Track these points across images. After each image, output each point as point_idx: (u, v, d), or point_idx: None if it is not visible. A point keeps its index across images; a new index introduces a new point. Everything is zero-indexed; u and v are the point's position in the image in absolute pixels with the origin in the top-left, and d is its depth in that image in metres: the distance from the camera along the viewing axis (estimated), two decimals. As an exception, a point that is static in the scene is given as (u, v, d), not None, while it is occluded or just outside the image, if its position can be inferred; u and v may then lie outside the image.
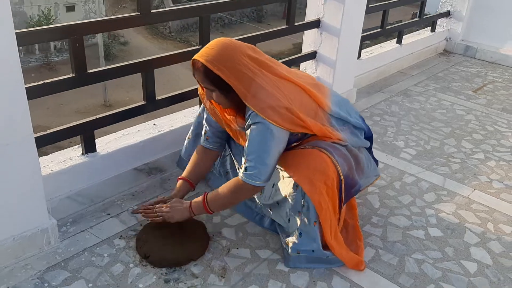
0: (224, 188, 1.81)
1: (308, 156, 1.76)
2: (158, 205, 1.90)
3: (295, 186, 1.79)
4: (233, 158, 2.15)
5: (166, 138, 2.34)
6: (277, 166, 1.80)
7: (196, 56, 1.71)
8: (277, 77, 1.77)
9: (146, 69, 2.17)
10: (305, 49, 3.19)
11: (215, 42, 1.72)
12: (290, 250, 1.83)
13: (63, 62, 19.59)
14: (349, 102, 2.09)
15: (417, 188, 2.41)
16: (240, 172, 1.75)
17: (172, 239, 1.87)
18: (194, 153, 2.06)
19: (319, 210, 1.74)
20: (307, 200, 1.75)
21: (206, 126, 2.02)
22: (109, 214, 2.07)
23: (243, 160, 1.75)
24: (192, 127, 2.16)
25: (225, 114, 1.88)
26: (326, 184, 1.73)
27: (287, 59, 3.01)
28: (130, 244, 1.90)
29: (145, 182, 2.29)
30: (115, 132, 2.30)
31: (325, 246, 1.83)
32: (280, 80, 1.77)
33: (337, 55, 3.03)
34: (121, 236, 1.94)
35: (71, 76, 1.93)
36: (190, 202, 1.86)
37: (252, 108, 1.69)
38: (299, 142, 1.91)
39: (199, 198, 1.85)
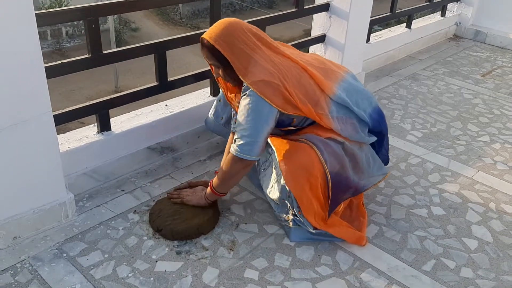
0: (221, 167, 1.89)
1: (298, 151, 1.81)
2: (185, 190, 2.02)
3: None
4: None
5: (178, 118, 2.41)
6: (273, 148, 1.87)
7: (203, 35, 1.82)
8: (275, 53, 1.83)
9: (159, 50, 2.24)
10: (314, 33, 3.23)
11: (220, 21, 1.83)
12: (291, 223, 1.90)
13: (75, 48, 19.72)
14: (368, 94, 2.06)
15: (421, 169, 2.47)
16: (233, 146, 1.79)
17: (183, 214, 1.95)
18: (228, 142, 2.12)
19: (301, 204, 1.80)
20: (290, 192, 1.81)
21: (233, 110, 2.08)
22: (123, 190, 2.16)
23: (236, 134, 1.80)
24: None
25: (228, 92, 1.95)
26: (309, 181, 1.78)
27: (295, 42, 3.05)
28: (143, 218, 1.98)
29: (158, 161, 2.37)
30: (129, 112, 2.38)
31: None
32: (277, 55, 1.83)
33: (345, 39, 3.07)
34: (135, 210, 2.03)
35: (87, 56, 2.01)
36: (206, 191, 1.96)
37: (245, 82, 1.76)
38: (296, 127, 1.95)
39: (208, 187, 1.95)
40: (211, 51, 1.80)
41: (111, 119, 2.23)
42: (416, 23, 4.27)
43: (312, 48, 3.29)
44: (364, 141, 2.01)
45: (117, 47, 17.60)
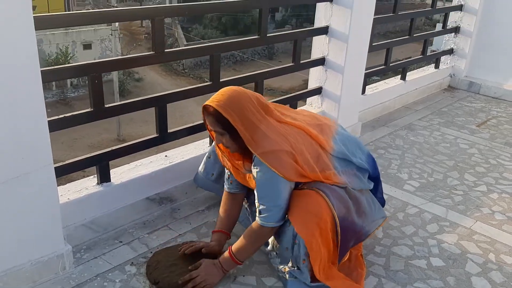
0: (245, 237, 1.90)
1: (303, 197, 1.82)
2: (194, 273, 1.88)
3: (287, 224, 1.86)
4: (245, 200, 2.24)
5: (177, 169, 2.45)
6: None
7: (207, 102, 1.84)
8: (279, 123, 1.89)
9: (159, 103, 2.31)
10: (311, 85, 3.33)
11: (225, 89, 1.86)
12: (287, 276, 1.89)
13: (79, 98, 20.10)
14: (356, 140, 2.14)
15: (420, 219, 2.47)
16: (256, 216, 1.86)
17: (181, 266, 1.94)
18: (222, 201, 2.13)
19: (310, 249, 1.79)
20: (299, 239, 1.81)
21: (227, 171, 2.10)
22: (121, 241, 2.16)
23: (256, 204, 1.86)
24: (212, 148, 2.25)
25: (234, 159, 1.99)
26: (319, 226, 1.78)
27: (293, 94, 3.14)
28: (140, 270, 1.98)
29: (156, 211, 2.39)
30: (129, 163, 2.42)
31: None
32: (283, 125, 1.88)
33: (341, 91, 3.16)
34: (132, 262, 2.03)
35: (89, 110, 2.07)
36: (219, 262, 1.91)
37: (254, 153, 1.80)
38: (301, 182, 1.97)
39: (226, 255, 1.91)
40: (218, 119, 1.80)
41: (111, 170, 2.27)
42: (411, 75, 4.39)
43: (309, 100, 3.37)
44: (367, 188, 2.07)
45: (120, 96, 17.96)
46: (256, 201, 1.86)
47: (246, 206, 2.27)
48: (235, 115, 1.78)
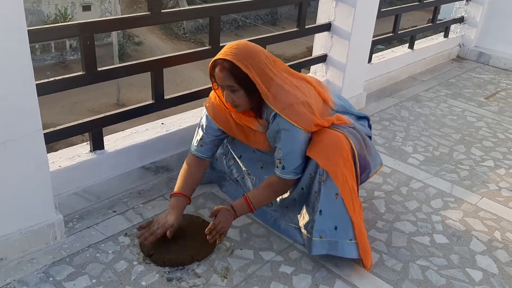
0: (264, 187, 1.89)
1: (321, 134, 1.83)
2: (210, 226, 1.81)
3: (312, 171, 1.83)
4: (240, 163, 2.15)
5: (174, 137, 2.35)
6: None
7: (221, 56, 1.73)
8: (292, 76, 1.85)
9: (155, 68, 2.19)
10: (316, 52, 3.19)
11: (237, 43, 1.77)
12: (313, 235, 1.82)
13: (78, 61, 19.79)
14: (343, 97, 2.18)
15: (424, 194, 2.39)
16: (277, 171, 1.86)
17: (176, 239, 1.87)
18: (185, 164, 2.01)
19: (337, 181, 1.77)
20: (325, 175, 1.78)
21: (204, 133, 1.97)
22: (115, 211, 2.09)
23: (278, 160, 1.84)
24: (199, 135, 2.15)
25: (244, 117, 1.88)
26: (342, 156, 1.78)
27: (297, 61, 3.00)
28: (134, 241, 1.91)
29: (152, 181, 2.31)
30: (124, 130, 2.32)
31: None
32: (295, 78, 1.85)
33: (347, 59, 3.03)
34: (126, 233, 1.96)
35: (81, 73, 1.96)
36: (232, 207, 1.86)
37: (273, 108, 1.75)
38: None
39: (241, 201, 1.87)
40: (234, 74, 1.71)
41: (105, 137, 2.17)
42: (419, 44, 4.23)
43: (313, 68, 3.24)
44: (369, 134, 2.08)
45: (120, 60, 17.72)
46: (277, 158, 1.84)
47: (236, 177, 2.19)
48: (253, 69, 1.71)
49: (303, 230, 1.92)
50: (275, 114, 1.78)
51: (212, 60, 1.76)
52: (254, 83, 1.72)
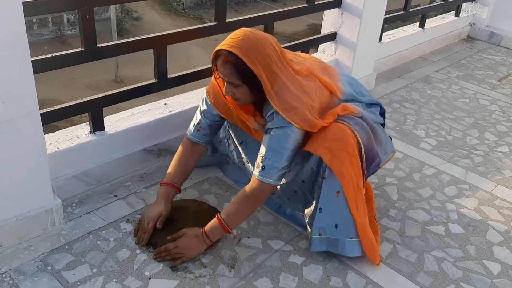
0: (238, 200, 1.69)
1: (325, 128, 1.68)
2: (169, 246, 1.68)
3: (313, 165, 1.73)
4: (240, 150, 2.05)
5: (177, 118, 2.24)
6: None
7: (225, 47, 1.56)
8: (299, 74, 1.69)
9: (159, 45, 2.06)
10: (325, 30, 3.05)
11: (242, 32, 1.60)
12: (312, 232, 1.74)
13: (76, 35, 19.45)
14: (357, 80, 2.01)
15: (437, 181, 2.30)
16: (256, 171, 1.67)
17: (178, 224, 1.78)
18: (179, 150, 1.90)
19: (341, 179, 1.65)
20: (328, 172, 1.67)
21: (202, 117, 1.85)
22: (116, 196, 1.99)
23: (259, 158, 1.67)
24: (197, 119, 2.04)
25: (242, 113, 1.76)
26: (347, 152, 1.65)
27: (305, 40, 2.87)
28: (136, 239, 1.81)
29: (154, 164, 2.21)
30: (125, 110, 2.21)
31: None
32: (302, 78, 1.69)
33: (358, 37, 2.90)
34: (128, 219, 1.87)
35: (80, 50, 1.83)
36: (204, 231, 1.69)
37: (275, 108, 1.60)
38: None
39: (214, 222, 1.69)
40: (238, 68, 1.55)
41: (105, 118, 2.06)
42: (429, 23, 4.09)
43: (321, 47, 3.11)
44: (380, 122, 1.94)
45: (118, 35, 17.48)
46: (260, 155, 1.67)
47: (238, 163, 2.08)
48: (259, 64, 1.55)
49: (306, 219, 1.83)
50: (274, 112, 1.63)
51: (215, 49, 1.61)
52: (259, 79, 1.58)
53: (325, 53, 3.11)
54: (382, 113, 1.99)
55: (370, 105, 1.92)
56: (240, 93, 1.63)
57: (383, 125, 1.97)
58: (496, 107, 3.16)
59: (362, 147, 1.69)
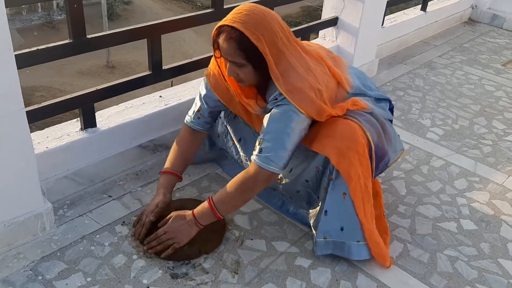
0: (232, 185, 1.55)
1: (333, 125, 1.56)
2: (160, 230, 1.60)
3: (319, 164, 1.62)
4: (238, 147, 1.93)
5: (174, 112, 2.12)
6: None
7: (228, 22, 1.44)
8: (306, 54, 1.56)
9: (153, 35, 1.93)
10: (325, 15, 2.92)
11: (247, 7, 1.47)
12: (316, 235, 1.64)
13: (64, 21, 19.12)
14: (364, 73, 1.89)
15: (446, 173, 2.21)
16: (254, 154, 1.53)
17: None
18: (178, 137, 1.79)
19: (349, 181, 1.55)
20: (336, 174, 1.56)
21: (203, 103, 1.74)
22: (110, 196, 1.88)
23: (258, 141, 1.53)
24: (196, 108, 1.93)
25: (243, 96, 1.64)
26: (357, 152, 1.54)
27: (305, 26, 2.74)
28: (133, 231, 1.71)
29: (150, 160, 2.09)
30: (118, 104, 2.08)
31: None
32: (309, 57, 1.57)
33: (360, 22, 2.77)
34: (123, 222, 1.76)
35: (68, 41, 1.70)
36: (193, 213, 1.59)
37: (278, 87, 1.47)
38: None
39: (204, 205, 1.58)
40: (242, 46, 1.42)
41: (97, 113, 1.94)
42: (431, 6, 3.95)
43: (322, 33, 2.98)
44: (390, 118, 1.83)
45: (108, 20, 17.12)
46: (258, 138, 1.54)
47: (237, 159, 1.97)
48: (265, 41, 1.43)
49: (311, 221, 1.74)
50: (278, 94, 1.51)
51: (217, 25, 1.48)
52: (264, 56, 1.45)
53: (326, 39, 2.98)
54: (391, 109, 1.88)
55: (378, 100, 1.81)
56: (244, 74, 1.51)
57: (391, 121, 1.86)
58: (503, 93, 3.06)
59: (373, 146, 1.59)
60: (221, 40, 1.46)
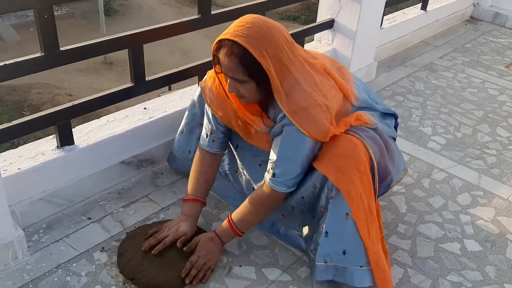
0: (249, 204, 1.55)
1: (334, 141, 1.46)
2: (192, 260, 1.54)
3: (316, 181, 1.50)
4: (235, 155, 1.81)
5: (159, 125, 1.99)
6: None
7: (229, 36, 1.33)
8: (313, 70, 1.46)
9: (134, 44, 1.80)
10: (321, 17, 2.78)
11: (249, 19, 1.36)
12: (316, 259, 1.52)
13: (62, 16, 18.93)
14: (368, 85, 1.80)
15: (448, 187, 2.08)
16: (268, 177, 1.51)
17: (164, 256, 1.56)
18: (198, 162, 1.70)
19: (350, 200, 1.44)
20: (335, 192, 1.45)
21: (213, 125, 1.65)
22: (89, 218, 1.76)
23: (270, 165, 1.50)
24: (185, 120, 1.83)
25: (247, 113, 1.52)
26: (358, 170, 1.44)
27: (299, 29, 2.61)
28: (113, 259, 1.59)
29: (134, 177, 1.97)
30: (99, 118, 1.96)
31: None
32: (316, 73, 1.46)
33: (358, 24, 2.63)
34: (102, 248, 1.64)
35: (40, 55, 1.57)
36: (216, 233, 1.58)
37: (282, 108, 1.39)
38: None
39: (224, 225, 1.58)
40: (245, 62, 1.33)
41: (75, 129, 1.82)
42: (431, 4, 3.81)
43: (317, 36, 2.85)
44: (393, 136, 1.72)
45: (106, 16, 16.98)
46: (270, 161, 1.50)
47: (227, 170, 1.86)
48: (269, 57, 1.33)
49: (305, 245, 1.62)
50: (284, 116, 1.42)
51: (217, 39, 1.37)
52: (267, 73, 1.35)
53: (322, 42, 2.85)
54: (395, 126, 1.77)
55: (384, 115, 1.70)
56: (245, 90, 1.41)
57: (394, 139, 1.74)
58: (507, 97, 2.93)
59: (375, 165, 1.48)
60: (221, 55, 1.36)
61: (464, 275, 1.65)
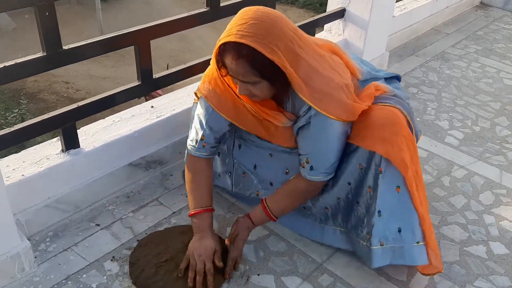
0: (285, 192, 1.53)
1: (367, 116, 1.41)
2: (231, 257, 1.51)
3: (362, 160, 1.43)
4: (253, 176, 1.70)
5: (168, 124, 1.90)
6: None
7: (233, 38, 1.21)
8: (326, 52, 1.42)
9: (141, 41, 1.70)
10: (331, 7, 2.67)
11: (251, 14, 1.25)
12: (372, 243, 1.44)
13: (59, 3, 18.61)
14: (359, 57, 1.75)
15: (470, 186, 2.00)
16: (305, 172, 1.46)
17: (176, 262, 1.49)
18: (192, 171, 1.56)
19: (404, 169, 1.37)
20: (384, 165, 1.38)
21: (205, 130, 1.51)
22: (98, 225, 1.67)
23: (303, 158, 1.45)
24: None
25: (265, 110, 1.43)
26: (404, 136, 1.38)
27: (310, 19, 2.50)
28: (124, 268, 1.52)
29: (142, 179, 1.88)
30: (104, 118, 1.86)
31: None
32: (328, 54, 1.42)
33: (370, 13, 2.52)
34: (113, 257, 1.56)
35: (42, 55, 1.47)
36: (250, 219, 1.54)
37: (304, 99, 1.32)
38: None
39: (258, 211, 1.53)
40: (255, 64, 1.23)
41: (80, 130, 1.73)
42: (441, -10, 3.69)
43: (327, 26, 2.74)
44: (406, 97, 1.61)
45: (102, 1, 16.75)
46: (303, 155, 1.44)
47: (249, 195, 1.73)
48: (280, 52, 1.23)
49: (354, 237, 1.53)
50: (309, 107, 1.35)
51: (220, 42, 1.26)
52: (281, 68, 1.25)
53: (332, 32, 2.74)
54: None
55: (388, 80, 1.64)
56: (258, 90, 1.32)
57: None
58: (523, 88, 2.83)
59: (413, 128, 1.44)
60: (228, 60, 1.26)
61: (492, 281, 1.58)
